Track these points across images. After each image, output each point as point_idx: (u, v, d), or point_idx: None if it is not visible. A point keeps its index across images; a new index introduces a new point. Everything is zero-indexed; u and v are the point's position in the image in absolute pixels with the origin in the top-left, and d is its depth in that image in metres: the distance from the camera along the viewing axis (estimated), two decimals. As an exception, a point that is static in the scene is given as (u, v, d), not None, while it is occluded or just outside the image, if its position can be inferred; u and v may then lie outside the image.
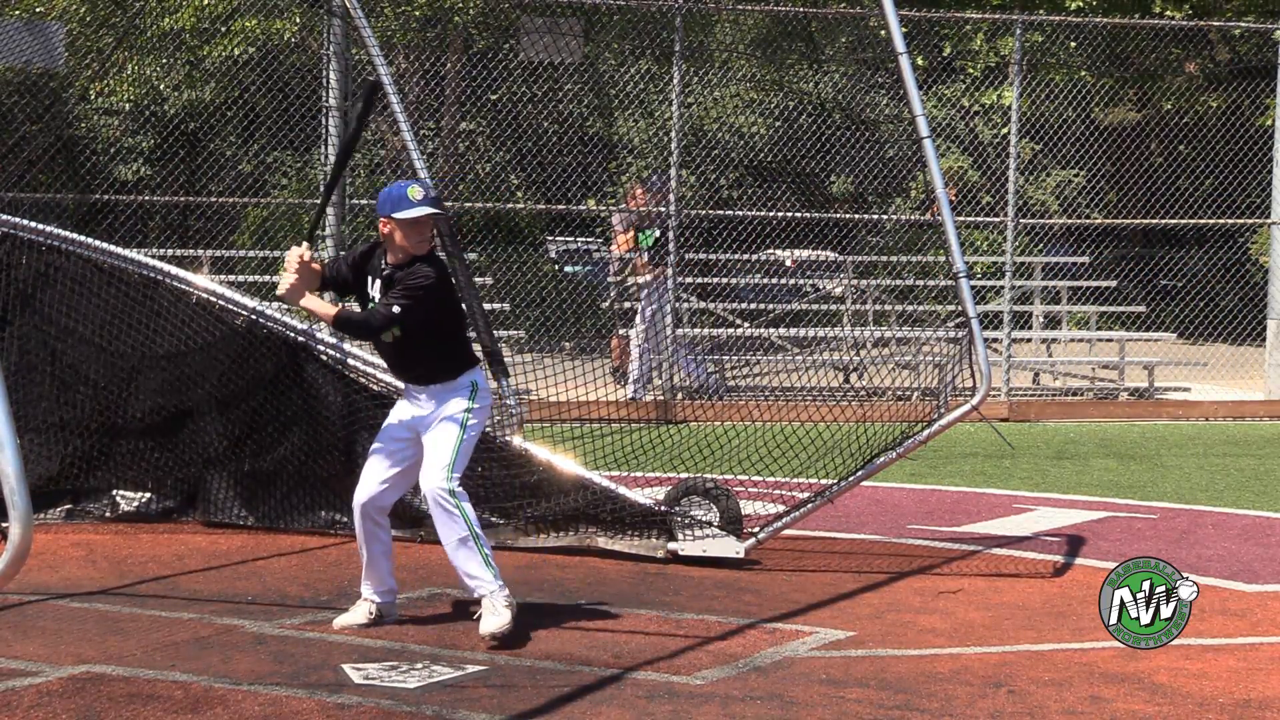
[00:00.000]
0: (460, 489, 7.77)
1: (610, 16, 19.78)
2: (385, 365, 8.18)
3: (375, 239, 8.08)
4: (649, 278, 17.60)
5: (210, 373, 10.25)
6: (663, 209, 18.06)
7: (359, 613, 8.07)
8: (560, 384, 10.75)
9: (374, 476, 8.04)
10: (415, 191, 7.70)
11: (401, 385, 8.14)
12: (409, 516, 10.08)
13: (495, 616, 7.73)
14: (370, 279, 7.90)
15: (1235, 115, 22.18)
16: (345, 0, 11.58)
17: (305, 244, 7.85)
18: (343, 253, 8.14)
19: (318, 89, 13.41)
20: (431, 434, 7.87)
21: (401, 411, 8.02)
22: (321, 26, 13.31)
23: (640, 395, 17.31)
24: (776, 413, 11.79)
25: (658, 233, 17.32)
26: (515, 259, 20.33)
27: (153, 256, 10.90)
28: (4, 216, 10.28)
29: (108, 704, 6.63)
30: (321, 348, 10.20)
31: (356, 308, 8.00)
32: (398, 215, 7.72)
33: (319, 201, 8.16)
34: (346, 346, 10.42)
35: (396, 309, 7.69)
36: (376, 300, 7.86)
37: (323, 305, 7.88)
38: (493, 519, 9.65)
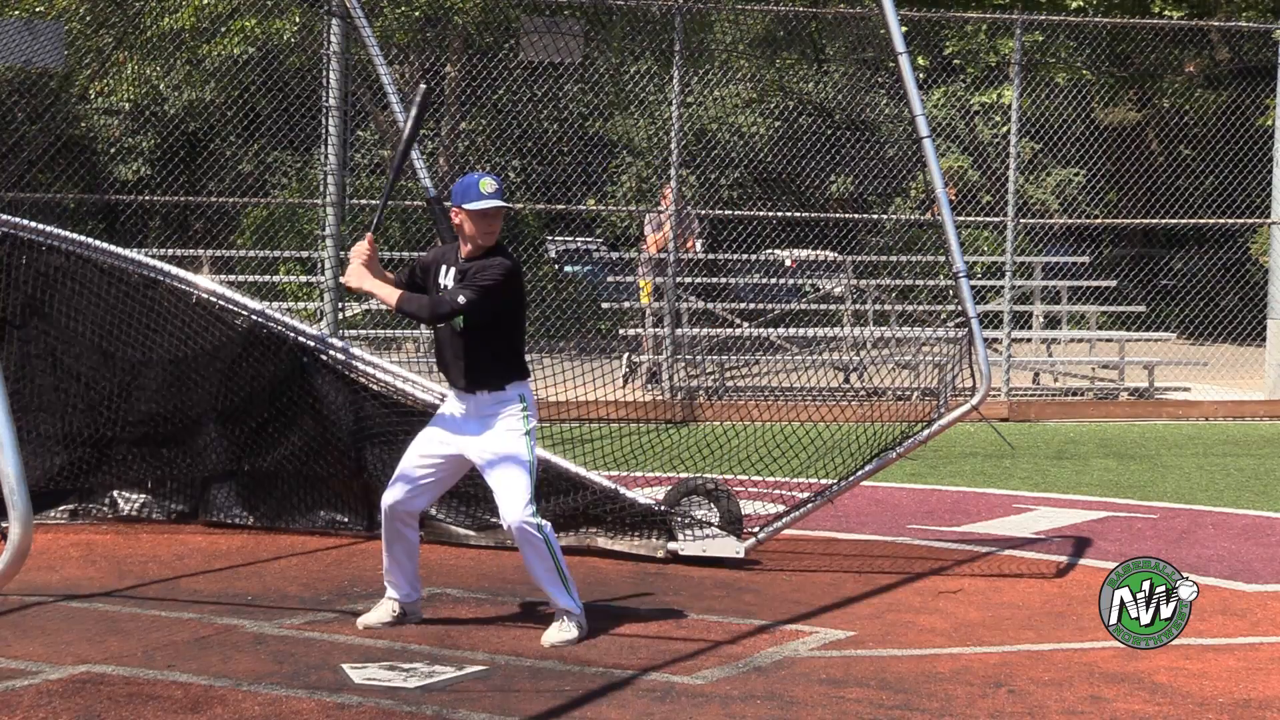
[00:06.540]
0: (541, 519, 7.84)
1: (610, 17, 19.77)
2: (437, 364, 8.17)
3: (445, 243, 8.25)
4: None
5: (210, 373, 10.24)
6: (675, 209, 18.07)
7: (383, 611, 8.07)
8: (561, 384, 10.75)
9: (405, 481, 8.05)
10: (486, 184, 7.95)
11: (448, 390, 8.14)
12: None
13: (563, 633, 7.83)
14: (444, 268, 8.03)
15: (1235, 115, 22.17)
16: (345, 0, 11.58)
17: (369, 235, 8.05)
18: (414, 257, 8.25)
19: (318, 89, 13.39)
20: (497, 465, 7.86)
21: (445, 421, 8.04)
22: (321, 26, 13.29)
23: None
24: (776, 413, 11.80)
25: None
26: (515, 259, 20.30)
27: (153, 256, 10.88)
28: (4, 216, 10.27)
29: (108, 704, 6.63)
30: (321, 348, 10.20)
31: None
32: (467, 206, 7.92)
33: (381, 199, 8.35)
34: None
35: (462, 299, 7.82)
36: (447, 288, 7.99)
37: (385, 289, 7.99)
38: (492, 519, 9.63)
